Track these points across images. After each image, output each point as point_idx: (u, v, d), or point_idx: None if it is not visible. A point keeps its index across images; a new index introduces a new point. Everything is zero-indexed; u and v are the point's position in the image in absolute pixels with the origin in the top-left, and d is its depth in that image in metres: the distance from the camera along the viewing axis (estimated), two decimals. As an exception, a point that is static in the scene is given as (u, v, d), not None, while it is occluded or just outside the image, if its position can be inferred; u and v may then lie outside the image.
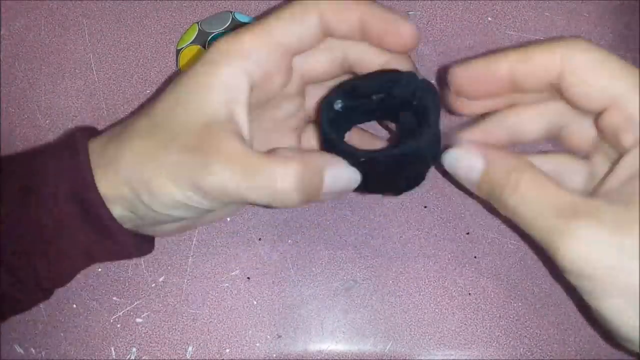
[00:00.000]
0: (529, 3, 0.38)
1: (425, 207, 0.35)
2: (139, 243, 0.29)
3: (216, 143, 0.24)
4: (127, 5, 0.38)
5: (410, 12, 0.38)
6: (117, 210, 0.27)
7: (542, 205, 0.22)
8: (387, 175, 0.27)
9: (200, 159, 0.24)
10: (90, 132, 0.29)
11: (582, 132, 0.26)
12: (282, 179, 0.23)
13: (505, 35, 0.37)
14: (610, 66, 0.23)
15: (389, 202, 0.35)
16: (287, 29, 0.25)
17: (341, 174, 0.25)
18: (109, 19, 0.38)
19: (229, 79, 0.25)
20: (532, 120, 0.28)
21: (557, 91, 0.25)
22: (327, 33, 0.26)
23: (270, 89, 0.27)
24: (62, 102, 0.37)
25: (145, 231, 0.30)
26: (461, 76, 0.26)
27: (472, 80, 0.26)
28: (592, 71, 0.23)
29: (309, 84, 0.29)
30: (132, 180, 0.26)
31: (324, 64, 0.28)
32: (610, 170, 0.24)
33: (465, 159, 0.25)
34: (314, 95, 0.30)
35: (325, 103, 0.27)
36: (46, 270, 0.27)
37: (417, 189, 0.34)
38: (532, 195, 0.23)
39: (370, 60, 0.27)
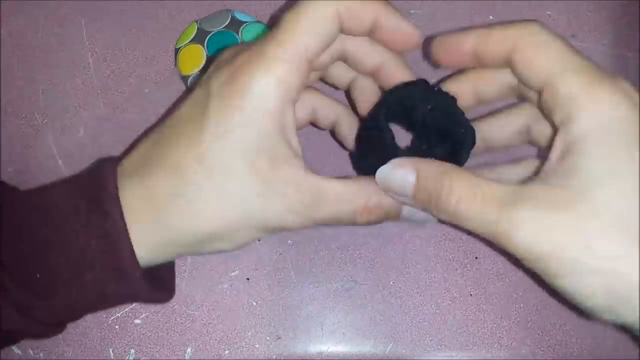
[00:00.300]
0: (529, 3, 0.38)
1: (426, 207, 0.35)
2: (159, 294, 0.28)
3: (283, 174, 0.24)
4: (127, 5, 0.38)
5: (411, 11, 0.38)
6: (147, 257, 0.26)
7: (480, 202, 0.23)
8: None
9: (271, 200, 0.24)
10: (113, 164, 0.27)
11: (547, 130, 0.28)
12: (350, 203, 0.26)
13: (506, 35, 0.37)
14: (553, 47, 0.24)
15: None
16: (311, 36, 0.24)
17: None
18: (109, 19, 0.38)
19: (276, 106, 0.24)
20: (502, 127, 0.30)
21: (509, 67, 0.26)
22: (341, 32, 0.26)
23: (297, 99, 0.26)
24: (61, 102, 0.37)
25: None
26: (437, 47, 0.28)
27: (445, 51, 0.27)
28: (535, 51, 0.24)
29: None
30: (188, 235, 0.25)
31: (323, 57, 0.27)
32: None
33: (396, 173, 0.25)
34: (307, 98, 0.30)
35: (384, 100, 0.28)
36: (62, 307, 0.26)
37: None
38: (468, 194, 0.23)
39: (369, 57, 0.27)
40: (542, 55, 0.24)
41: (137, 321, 0.33)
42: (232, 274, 0.34)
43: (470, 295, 0.34)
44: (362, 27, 0.25)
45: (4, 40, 0.38)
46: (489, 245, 0.34)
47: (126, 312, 0.33)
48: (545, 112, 0.25)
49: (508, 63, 0.26)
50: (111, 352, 0.33)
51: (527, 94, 0.27)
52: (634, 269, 0.21)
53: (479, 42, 0.26)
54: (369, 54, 0.27)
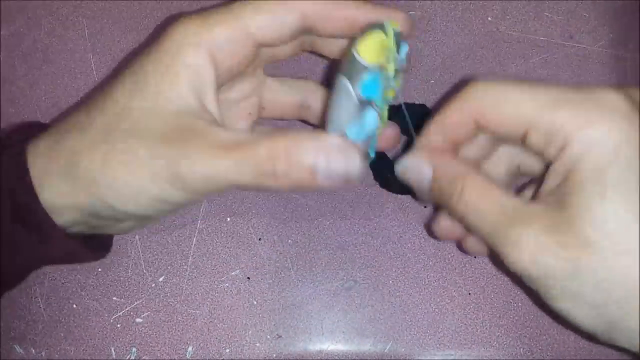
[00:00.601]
0: (529, 3, 0.38)
1: (425, 206, 0.35)
2: (90, 249, 0.28)
3: (194, 132, 0.23)
4: (127, 5, 0.38)
5: (410, 12, 0.38)
6: (69, 217, 0.25)
7: (485, 212, 0.23)
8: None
9: (180, 150, 0.23)
10: (34, 129, 0.27)
11: (534, 162, 0.27)
12: (268, 159, 0.23)
13: (505, 35, 0.37)
14: (516, 92, 0.23)
15: (389, 202, 0.35)
16: (263, 23, 0.24)
17: (339, 155, 0.24)
18: (109, 19, 0.38)
19: (196, 65, 0.24)
20: (490, 170, 0.28)
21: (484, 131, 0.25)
22: (307, 31, 0.26)
23: (231, 75, 0.26)
24: (62, 102, 0.37)
25: (101, 231, 0.29)
26: (423, 151, 0.27)
27: (430, 152, 0.26)
28: (503, 104, 0.23)
29: (265, 62, 0.29)
30: (94, 185, 0.24)
31: (285, 49, 0.28)
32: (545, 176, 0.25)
33: (415, 166, 0.26)
34: (273, 89, 0.30)
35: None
36: None
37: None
38: (475, 202, 0.23)
39: (337, 41, 0.27)
40: (510, 108, 0.23)
41: (139, 320, 0.34)
42: (233, 274, 0.34)
43: (469, 294, 0.34)
44: (335, 28, 0.25)
45: (4, 40, 0.38)
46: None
47: (127, 311, 0.34)
48: (536, 153, 0.24)
49: (482, 131, 0.25)
50: (113, 351, 0.33)
51: (522, 162, 0.27)
52: (626, 297, 0.21)
53: (444, 132, 0.26)
54: (335, 21, 0.26)
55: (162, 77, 0.24)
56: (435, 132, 0.26)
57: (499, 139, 0.26)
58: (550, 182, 0.23)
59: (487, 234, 0.23)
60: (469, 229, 0.25)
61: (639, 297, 0.21)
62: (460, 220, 0.25)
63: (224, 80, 0.26)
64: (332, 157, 0.23)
